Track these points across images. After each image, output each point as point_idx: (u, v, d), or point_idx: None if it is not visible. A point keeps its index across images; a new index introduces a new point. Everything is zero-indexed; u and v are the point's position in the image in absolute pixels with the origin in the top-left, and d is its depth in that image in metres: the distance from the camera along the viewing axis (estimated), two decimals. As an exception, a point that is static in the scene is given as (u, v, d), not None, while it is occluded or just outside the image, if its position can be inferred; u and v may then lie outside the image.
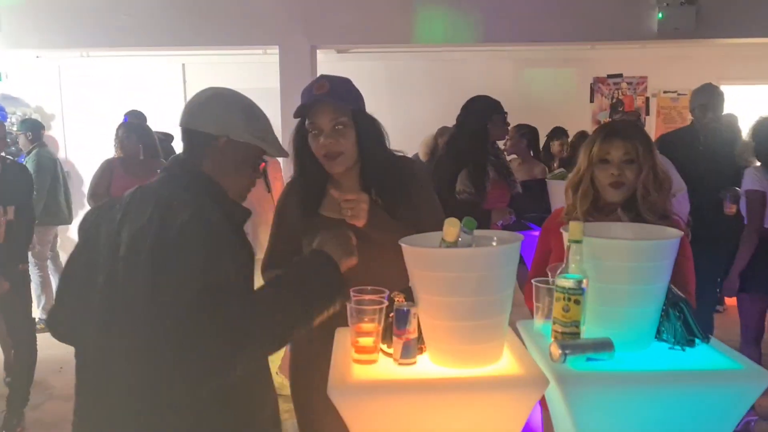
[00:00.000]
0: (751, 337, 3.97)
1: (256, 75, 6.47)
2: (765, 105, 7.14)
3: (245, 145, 1.68)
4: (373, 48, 6.93)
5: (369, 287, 1.70)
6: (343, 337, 1.77)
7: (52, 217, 5.96)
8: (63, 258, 7.84)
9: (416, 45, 6.49)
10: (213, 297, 1.42)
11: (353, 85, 2.12)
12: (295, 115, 2.10)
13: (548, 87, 7.24)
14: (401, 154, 2.21)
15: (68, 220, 6.30)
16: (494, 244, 1.71)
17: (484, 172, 3.82)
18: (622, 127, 2.26)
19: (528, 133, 5.19)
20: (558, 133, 6.08)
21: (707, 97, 4.31)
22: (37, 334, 4.19)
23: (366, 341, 1.64)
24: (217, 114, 1.68)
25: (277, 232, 2.25)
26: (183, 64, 7.96)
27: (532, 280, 1.84)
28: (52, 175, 5.93)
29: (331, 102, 2.00)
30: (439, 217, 1.99)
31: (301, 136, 2.11)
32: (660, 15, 5.47)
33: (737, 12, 5.47)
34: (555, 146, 6.03)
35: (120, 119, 5.99)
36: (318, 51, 6.08)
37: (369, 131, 2.08)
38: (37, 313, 5.73)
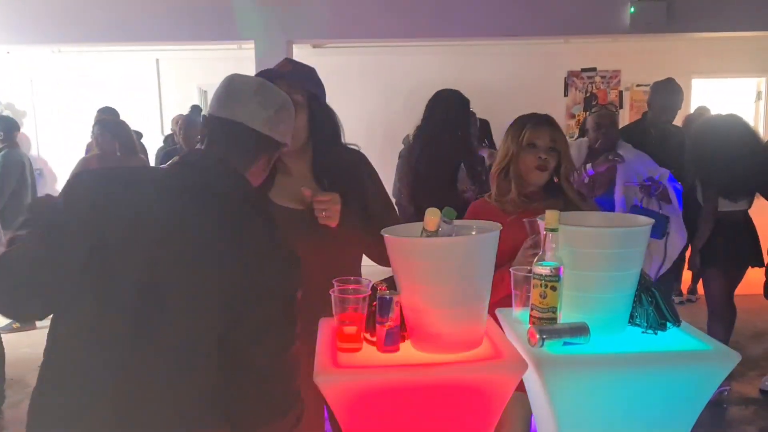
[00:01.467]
0: (717, 315, 4.14)
1: (231, 70, 6.39)
2: (735, 97, 7.32)
3: (267, 138, 1.59)
4: (349, 43, 6.95)
5: (352, 278, 1.74)
6: (327, 327, 1.80)
7: (16, 220, 5.83)
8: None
9: (391, 40, 6.52)
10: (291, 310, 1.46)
11: (316, 74, 2.14)
12: None
13: (522, 81, 7.31)
14: (354, 147, 2.21)
15: (34, 224, 6.18)
16: (474, 233, 1.76)
17: (480, 165, 3.84)
18: (546, 118, 2.42)
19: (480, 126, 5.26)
20: None
21: (664, 96, 4.35)
22: (11, 334, 4.17)
23: (350, 330, 1.67)
24: (246, 102, 1.58)
25: None
26: (157, 60, 7.91)
27: (511, 269, 1.90)
28: (18, 177, 5.81)
29: (286, 79, 1.99)
30: (386, 206, 2.16)
31: None
32: (632, 9, 5.56)
33: (708, 6, 5.57)
34: None
35: (93, 115, 5.95)
36: (294, 46, 6.08)
37: (322, 118, 2.08)
38: (10, 312, 5.67)
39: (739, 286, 4.49)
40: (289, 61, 2.12)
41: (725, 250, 4.08)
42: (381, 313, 1.65)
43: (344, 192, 2.02)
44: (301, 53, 6.46)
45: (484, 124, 5.35)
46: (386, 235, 1.66)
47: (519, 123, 2.40)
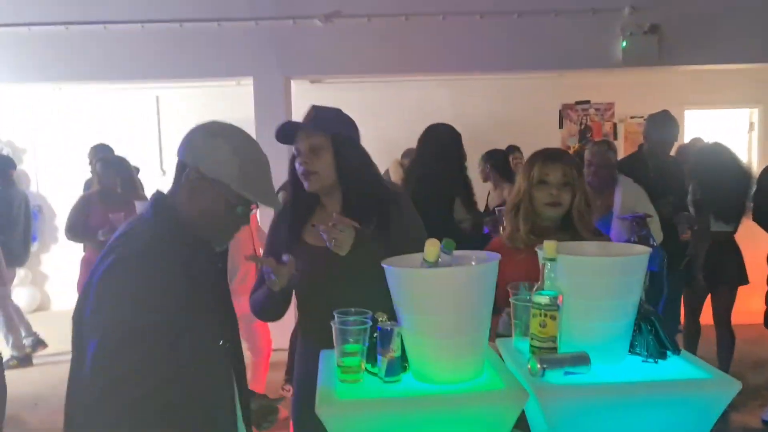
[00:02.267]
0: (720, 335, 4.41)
1: (230, 106, 6.52)
2: (728, 128, 7.39)
3: (218, 183, 1.65)
4: (347, 78, 7.04)
5: (353, 309, 1.75)
6: (328, 359, 1.81)
7: (8, 257, 5.83)
8: (27, 294, 7.75)
9: (389, 75, 6.61)
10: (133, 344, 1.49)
11: (341, 114, 2.23)
12: (288, 142, 2.21)
13: (518, 114, 7.39)
14: (393, 187, 2.32)
15: (22, 262, 6.21)
16: (473, 263, 1.77)
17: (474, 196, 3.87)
18: (559, 152, 2.46)
19: (490, 157, 5.30)
20: (512, 149, 6.16)
21: (660, 129, 4.41)
22: (8, 372, 4.14)
23: (351, 362, 1.68)
24: (199, 145, 1.68)
25: (266, 254, 2.30)
26: (157, 97, 7.98)
27: (511, 299, 1.91)
28: (8, 216, 5.83)
29: (307, 126, 2.14)
30: (414, 246, 2.08)
31: (292, 162, 2.23)
32: (624, 44, 5.66)
33: (697, 40, 5.67)
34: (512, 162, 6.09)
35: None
36: (292, 81, 6.16)
37: (348, 155, 2.17)
38: (8, 351, 5.65)
39: (740, 315, 4.54)
40: (314, 108, 2.21)
41: (713, 267, 4.34)
42: (382, 344, 1.66)
43: (372, 229, 2.12)
44: (299, 88, 6.54)
45: (496, 154, 5.38)
46: (386, 266, 1.67)
47: (530, 159, 2.41)
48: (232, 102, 6.81)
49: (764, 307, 4.36)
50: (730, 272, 4.40)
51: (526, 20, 5.73)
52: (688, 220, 4.25)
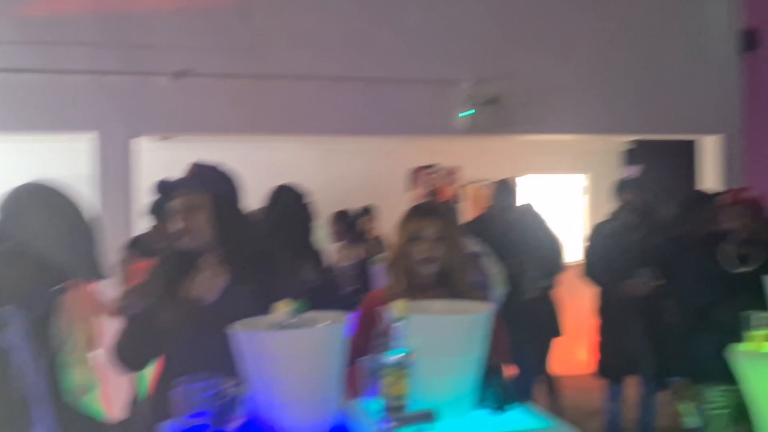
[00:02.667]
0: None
1: (66, 161, 6.18)
2: (566, 192, 8.02)
3: (28, 255, 1.56)
4: (200, 137, 6.90)
5: (201, 374, 1.67)
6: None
7: None
8: None
9: (241, 135, 6.55)
10: None
11: (221, 171, 2.27)
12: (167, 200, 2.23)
13: (370, 176, 7.57)
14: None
15: None
16: (325, 324, 1.76)
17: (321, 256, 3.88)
18: (433, 207, 2.49)
19: (340, 218, 5.41)
20: (364, 211, 6.32)
21: (503, 194, 4.87)
22: None
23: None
24: (11, 212, 1.60)
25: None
26: (-15, 151, 7.38)
27: (357, 360, 1.90)
28: None
29: (183, 185, 2.19)
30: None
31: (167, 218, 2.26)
32: (467, 113, 5.99)
33: (534, 112, 6.14)
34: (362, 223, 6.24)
35: None
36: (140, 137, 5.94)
37: (226, 214, 2.21)
38: None
39: (568, 367, 4.88)
40: (194, 165, 2.24)
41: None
42: (225, 410, 1.59)
43: (252, 287, 2.14)
44: (148, 144, 6.32)
45: (346, 215, 5.46)
46: (229, 332, 1.63)
47: (405, 215, 2.40)
48: (68, 157, 6.44)
49: (589, 359, 4.71)
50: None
51: (375, 87, 5.94)
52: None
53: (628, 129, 6.77)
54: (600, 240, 4.56)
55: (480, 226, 4.69)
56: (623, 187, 4.72)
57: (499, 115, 5.96)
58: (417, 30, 6.02)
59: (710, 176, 6.91)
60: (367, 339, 2.26)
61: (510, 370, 3.81)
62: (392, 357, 1.72)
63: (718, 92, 6.77)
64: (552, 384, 5.02)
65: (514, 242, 4.59)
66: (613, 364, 4.51)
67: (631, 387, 4.66)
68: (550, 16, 6.33)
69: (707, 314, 3.35)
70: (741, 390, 3.18)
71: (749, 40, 12.00)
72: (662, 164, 8.27)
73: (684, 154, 7.50)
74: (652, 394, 4.54)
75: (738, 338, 3.07)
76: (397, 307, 1.75)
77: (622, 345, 4.42)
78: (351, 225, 5.39)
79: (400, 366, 1.71)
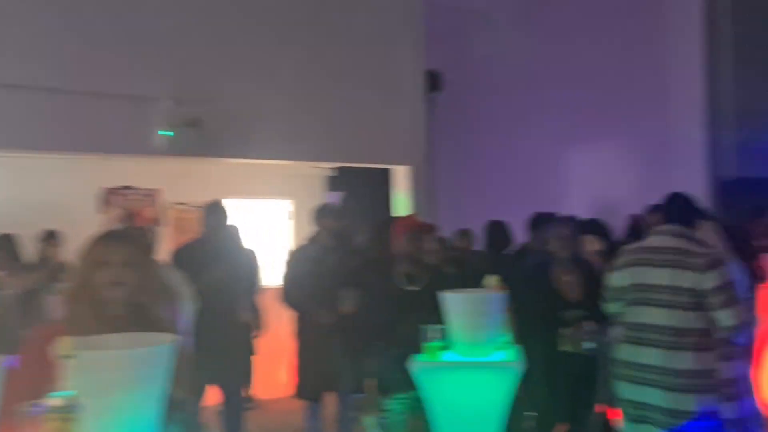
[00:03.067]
0: None
1: None
2: (273, 216, 8.11)
3: None
4: None
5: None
6: None
7: None
8: None
9: None
10: None
11: None
12: None
13: (60, 196, 6.88)
14: None
15: None
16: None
17: None
18: (122, 231, 2.33)
19: (2, 243, 4.92)
20: (48, 235, 5.77)
21: (214, 217, 4.73)
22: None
23: None
24: None
25: None
26: None
27: (19, 405, 1.67)
28: None
29: None
30: None
31: None
32: (166, 133, 5.77)
33: (236, 136, 6.14)
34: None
35: None
36: None
37: None
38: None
39: (270, 390, 4.89)
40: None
41: None
42: None
43: None
44: None
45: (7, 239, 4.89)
46: None
47: (90, 240, 2.21)
48: None
49: (290, 380, 4.82)
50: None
51: (61, 99, 5.43)
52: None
53: (329, 157, 7.13)
54: (297, 264, 4.68)
55: (191, 251, 4.57)
56: (322, 213, 4.91)
57: (200, 137, 5.85)
58: (110, 41, 5.66)
59: (402, 202, 7.55)
60: (33, 380, 2.01)
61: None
62: (57, 399, 1.54)
63: (408, 127, 7.46)
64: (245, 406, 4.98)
65: (223, 265, 4.53)
66: (310, 384, 4.63)
67: (330, 405, 4.82)
68: (256, 44, 6.43)
69: (391, 329, 3.61)
70: (417, 397, 3.50)
71: (434, 83, 13.50)
72: (363, 190, 8.85)
73: (383, 181, 8.11)
74: (349, 410, 4.76)
75: (418, 350, 3.36)
76: (62, 345, 1.57)
77: (319, 365, 4.56)
78: (13, 250, 4.87)
79: (66, 409, 1.53)
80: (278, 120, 6.42)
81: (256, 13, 6.51)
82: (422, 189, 7.51)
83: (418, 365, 3.26)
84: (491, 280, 3.36)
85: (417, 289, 3.76)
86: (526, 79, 12.71)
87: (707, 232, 4.50)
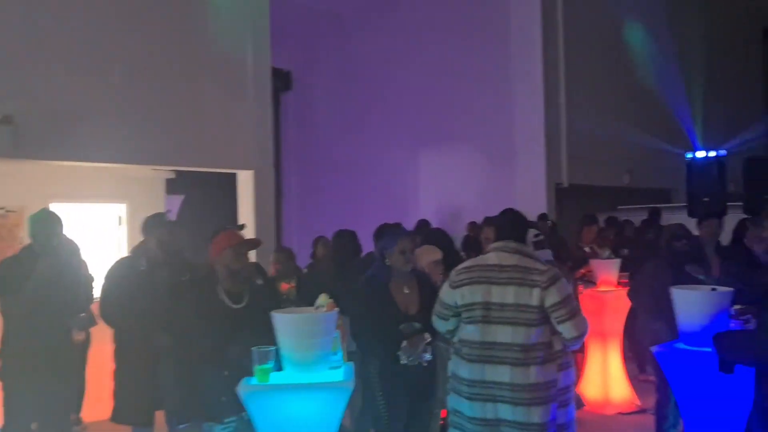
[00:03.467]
0: None
1: None
2: (100, 222, 7.50)
3: None
4: None
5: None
6: None
7: None
8: None
9: None
10: None
11: None
12: None
13: None
14: None
15: None
16: None
17: None
18: None
19: None
20: None
21: (44, 225, 4.31)
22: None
23: None
24: None
25: None
26: None
27: None
28: None
29: None
30: None
31: None
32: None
33: (54, 136, 5.61)
34: None
35: None
36: None
37: None
38: None
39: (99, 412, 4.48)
40: None
41: None
42: None
43: None
44: None
45: None
46: None
47: None
48: None
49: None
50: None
51: None
52: None
53: (164, 161, 6.71)
54: (118, 278, 4.30)
55: (14, 265, 4.21)
56: (152, 222, 4.54)
57: (12, 136, 5.28)
58: None
59: (246, 208, 7.28)
60: None
61: None
62: None
63: (252, 130, 7.20)
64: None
65: (58, 275, 4.21)
66: (129, 406, 4.27)
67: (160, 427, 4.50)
68: (80, 39, 5.91)
69: (217, 351, 3.38)
70: (245, 420, 3.29)
71: (284, 82, 13.25)
72: (205, 195, 8.46)
73: (228, 185, 7.77)
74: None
75: (248, 373, 3.16)
76: None
77: (140, 387, 4.21)
78: None
79: None
80: (107, 120, 5.96)
81: (83, 3, 5.99)
82: (267, 195, 7.27)
83: (245, 388, 3.06)
84: (323, 298, 3.22)
85: (241, 307, 3.55)
86: (377, 83, 12.76)
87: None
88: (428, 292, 3.95)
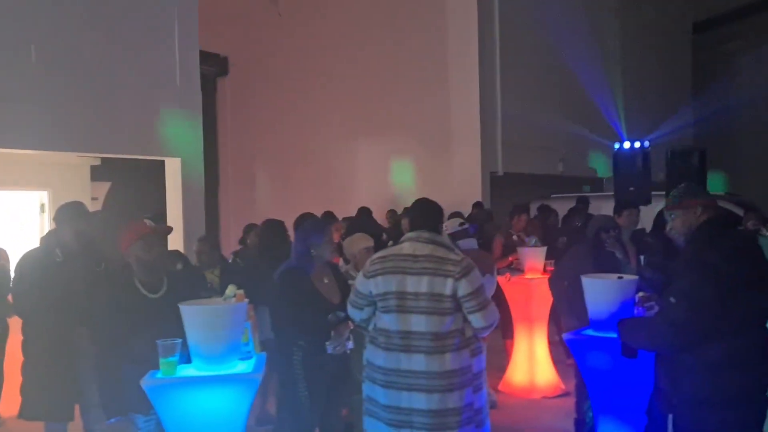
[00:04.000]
0: None
1: None
2: (20, 209, 7.27)
3: None
4: None
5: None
6: None
7: None
8: None
9: None
10: None
11: None
12: None
13: None
14: None
15: None
16: None
17: None
18: None
19: None
20: None
21: None
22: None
23: None
24: None
25: None
26: None
27: None
28: None
29: None
30: None
31: None
32: None
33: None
34: None
35: None
36: None
37: None
38: None
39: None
40: None
41: None
42: None
43: None
44: None
45: None
46: None
47: None
48: None
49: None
50: None
51: None
52: None
53: (88, 147, 6.52)
54: (31, 269, 4.16)
55: None
56: (67, 211, 4.38)
57: None
58: None
59: (174, 196, 7.13)
60: None
61: None
62: None
63: (180, 116, 7.04)
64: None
65: None
66: (38, 402, 4.15)
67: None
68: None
69: (125, 343, 3.31)
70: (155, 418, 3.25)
71: (221, 67, 13.01)
72: (133, 182, 8.26)
73: (156, 173, 7.59)
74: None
75: (155, 366, 3.10)
76: None
77: (51, 382, 4.10)
78: None
79: None
80: (27, 105, 5.74)
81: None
82: (196, 183, 7.14)
83: (149, 382, 3.01)
84: (231, 288, 3.18)
85: (158, 296, 3.49)
86: (314, 70, 12.66)
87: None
88: (344, 280, 3.97)
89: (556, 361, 6.75)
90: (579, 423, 4.95)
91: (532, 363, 6.59)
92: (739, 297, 2.79)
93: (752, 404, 2.91)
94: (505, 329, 6.83)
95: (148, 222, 3.43)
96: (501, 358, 6.95)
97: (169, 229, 3.85)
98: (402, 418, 3.38)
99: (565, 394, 6.32)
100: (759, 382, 2.94)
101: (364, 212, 8.52)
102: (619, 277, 3.65)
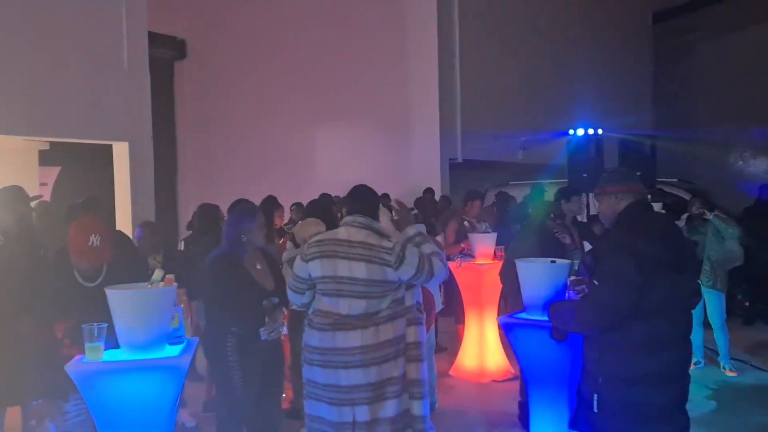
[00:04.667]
0: None
1: None
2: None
3: None
4: None
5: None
6: None
7: None
8: None
9: None
10: None
11: None
12: None
13: None
14: None
15: None
16: None
17: None
18: None
19: None
20: None
21: None
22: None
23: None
24: None
25: None
26: None
27: None
28: None
29: None
30: None
31: None
32: None
33: None
34: None
35: None
36: None
37: None
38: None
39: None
40: None
41: None
42: None
43: None
44: None
45: None
46: None
47: None
48: None
49: None
50: None
51: None
52: None
53: (33, 131, 6.39)
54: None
55: None
56: (9, 196, 4.30)
57: None
58: None
59: (122, 180, 7.03)
60: None
61: None
62: None
63: (128, 100, 6.92)
64: None
65: None
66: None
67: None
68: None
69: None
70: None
71: (179, 50, 12.82)
72: (81, 165, 8.13)
73: (104, 157, 7.48)
74: (31, 418, 4.32)
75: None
76: None
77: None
78: None
79: None
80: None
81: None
82: (145, 167, 7.04)
83: (72, 367, 2.98)
84: (158, 273, 3.15)
85: (95, 285, 3.45)
86: (274, 54, 12.55)
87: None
88: (276, 266, 3.95)
89: (507, 346, 6.82)
90: (522, 405, 5.01)
91: (483, 347, 6.65)
92: (659, 279, 2.84)
93: (676, 383, 2.97)
94: (457, 314, 6.89)
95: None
96: (455, 344, 7.00)
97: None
98: (342, 396, 3.37)
99: (515, 378, 6.38)
100: (682, 360, 3.01)
101: (324, 198, 8.47)
102: (552, 261, 3.69)
